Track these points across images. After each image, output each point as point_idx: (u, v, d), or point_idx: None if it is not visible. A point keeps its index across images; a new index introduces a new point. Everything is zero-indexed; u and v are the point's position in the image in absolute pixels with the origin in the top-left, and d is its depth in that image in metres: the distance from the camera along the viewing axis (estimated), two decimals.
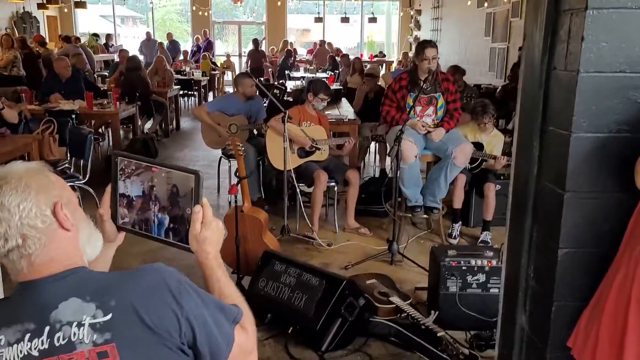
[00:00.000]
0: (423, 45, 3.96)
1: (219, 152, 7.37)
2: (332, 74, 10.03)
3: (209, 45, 15.98)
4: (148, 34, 15.58)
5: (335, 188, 4.44)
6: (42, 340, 1.06)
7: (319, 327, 2.69)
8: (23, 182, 1.10)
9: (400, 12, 16.95)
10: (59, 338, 1.06)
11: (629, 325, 1.72)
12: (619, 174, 1.83)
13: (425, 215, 4.10)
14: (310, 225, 4.25)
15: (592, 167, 1.84)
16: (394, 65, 14.65)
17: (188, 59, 13.77)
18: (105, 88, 7.74)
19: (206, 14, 16.95)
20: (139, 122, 7.21)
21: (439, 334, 2.66)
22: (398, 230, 3.93)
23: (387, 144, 4.44)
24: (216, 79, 13.00)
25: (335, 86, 8.93)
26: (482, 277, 2.91)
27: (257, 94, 5.23)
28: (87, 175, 4.30)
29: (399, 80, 4.10)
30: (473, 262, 2.91)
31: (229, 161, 5.36)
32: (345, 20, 16.12)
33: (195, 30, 17.24)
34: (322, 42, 16.23)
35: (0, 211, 1.07)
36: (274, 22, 17.83)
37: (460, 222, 4.29)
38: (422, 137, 4.00)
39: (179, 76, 10.34)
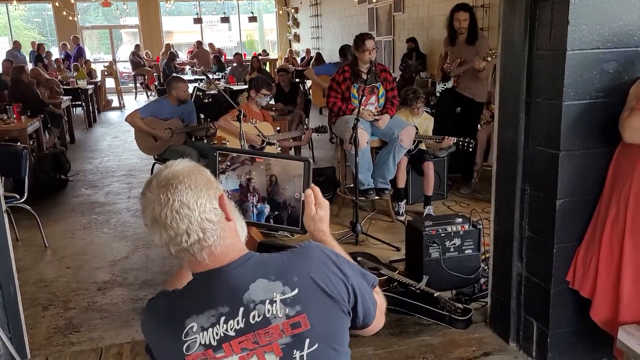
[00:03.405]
0: (362, 38, 4.23)
1: (133, 160, 7.19)
2: (232, 75, 9.99)
3: (80, 52, 15.03)
4: (17, 43, 14.24)
5: None
6: (238, 321, 1.14)
7: None
8: (192, 179, 1.16)
9: (279, 10, 17.21)
10: (254, 316, 1.14)
11: (624, 254, 2.12)
12: (599, 133, 2.25)
13: (376, 197, 4.38)
14: None
15: (580, 129, 2.23)
16: (280, 62, 14.90)
17: (62, 67, 12.82)
18: None
19: (71, 18, 15.83)
20: (43, 137, 6.68)
21: (435, 295, 2.95)
22: (356, 213, 4.17)
23: (334, 134, 4.67)
24: (98, 86, 12.28)
25: (238, 86, 9.00)
26: (457, 241, 3.26)
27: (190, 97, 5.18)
28: (26, 194, 3.98)
29: (342, 72, 4.33)
30: (449, 228, 3.25)
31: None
32: (225, 20, 16.05)
33: (61, 37, 16.04)
34: (200, 43, 16.00)
35: (181, 208, 1.12)
36: (148, 25, 17.19)
37: (405, 200, 4.66)
38: (369, 125, 4.28)
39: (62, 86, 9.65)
